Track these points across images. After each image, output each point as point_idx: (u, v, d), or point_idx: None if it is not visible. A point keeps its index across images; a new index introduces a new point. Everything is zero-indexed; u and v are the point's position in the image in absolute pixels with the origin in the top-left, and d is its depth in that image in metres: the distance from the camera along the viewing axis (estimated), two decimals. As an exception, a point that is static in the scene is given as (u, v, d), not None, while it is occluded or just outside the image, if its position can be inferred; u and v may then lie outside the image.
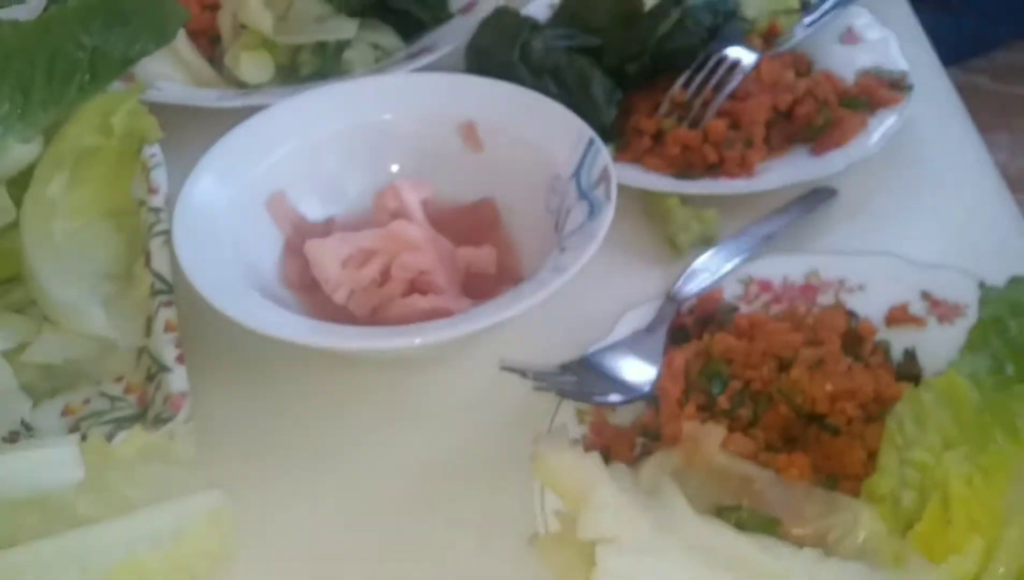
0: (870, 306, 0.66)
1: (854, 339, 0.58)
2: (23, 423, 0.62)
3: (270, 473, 0.62)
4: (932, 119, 0.84)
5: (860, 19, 0.89)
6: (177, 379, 0.62)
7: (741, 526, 0.51)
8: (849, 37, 0.89)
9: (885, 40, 0.87)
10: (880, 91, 0.81)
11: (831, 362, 0.55)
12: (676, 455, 0.54)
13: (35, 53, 0.69)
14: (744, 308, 0.65)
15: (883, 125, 0.78)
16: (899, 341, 0.64)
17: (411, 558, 0.57)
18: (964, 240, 0.74)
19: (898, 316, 0.65)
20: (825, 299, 0.66)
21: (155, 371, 0.64)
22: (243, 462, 0.62)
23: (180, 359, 0.63)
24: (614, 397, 0.57)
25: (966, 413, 0.54)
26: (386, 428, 0.64)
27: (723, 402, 0.55)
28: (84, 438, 0.58)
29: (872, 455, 0.54)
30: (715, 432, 0.53)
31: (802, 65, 0.87)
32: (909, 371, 0.62)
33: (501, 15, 0.84)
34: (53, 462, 0.53)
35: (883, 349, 0.63)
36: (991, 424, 0.51)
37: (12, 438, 0.61)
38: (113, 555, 0.51)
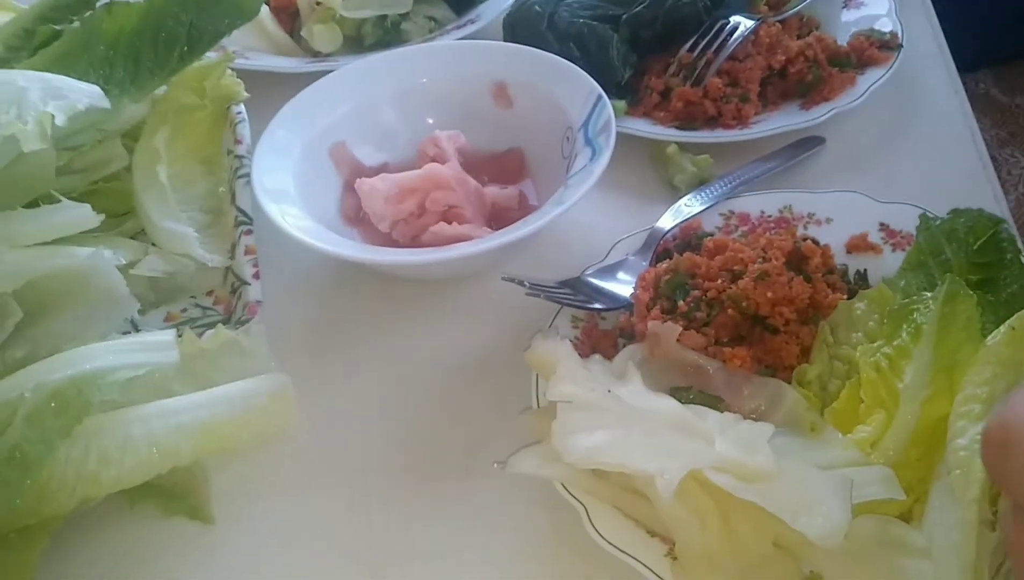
0: (834, 236, 0.76)
1: (799, 257, 0.68)
2: (133, 323, 0.78)
3: (324, 364, 0.77)
4: (922, 78, 0.93)
5: (863, -16, 0.99)
6: (254, 291, 0.77)
7: (691, 403, 0.63)
8: (852, 2, 0.98)
9: (882, 4, 0.95)
10: (870, 51, 0.90)
11: (774, 274, 0.66)
12: (642, 348, 0.66)
13: (143, 29, 0.84)
14: (719, 236, 0.76)
15: (870, 81, 0.88)
16: (857, 265, 0.75)
17: (439, 427, 0.71)
18: (933, 185, 0.83)
19: (857, 244, 0.75)
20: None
21: (237, 286, 0.79)
22: (304, 355, 0.77)
23: (256, 276, 0.78)
24: (596, 306, 0.70)
25: (889, 317, 0.65)
26: (419, 330, 0.78)
27: (683, 307, 0.66)
28: (180, 335, 0.73)
29: (806, 351, 0.66)
30: (673, 329, 0.65)
31: (807, 28, 0.97)
32: (860, 289, 0.73)
33: (526, 1, 0.96)
34: (156, 346, 0.69)
35: (841, 271, 0.73)
36: (899, 322, 0.62)
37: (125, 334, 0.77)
38: (200, 417, 0.67)
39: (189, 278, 0.81)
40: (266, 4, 1.00)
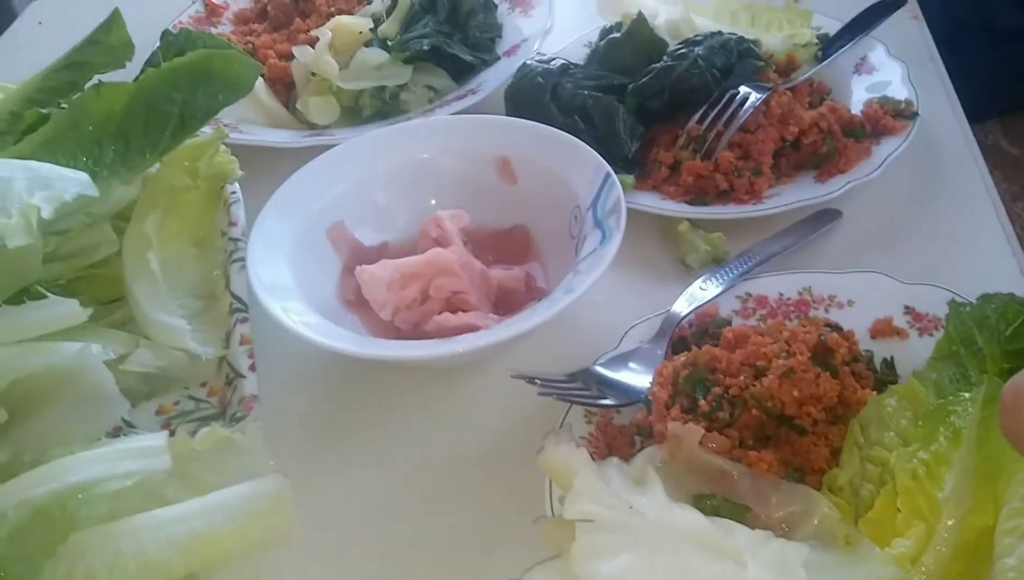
0: (857, 320, 0.73)
1: (824, 350, 0.65)
2: (124, 421, 0.74)
3: (325, 459, 0.73)
4: (938, 144, 0.90)
5: (874, 50, 0.96)
6: (249, 385, 0.73)
7: (715, 512, 0.59)
8: (864, 67, 0.95)
9: (895, 70, 0.93)
10: (885, 120, 0.87)
11: (800, 371, 0.62)
12: (662, 450, 0.62)
13: (133, 109, 0.80)
14: (738, 322, 0.73)
15: (886, 152, 0.85)
16: (882, 352, 0.71)
17: (448, 529, 0.68)
18: (956, 255, 0.80)
19: (882, 329, 0.72)
20: (816, 314, 0.74)
21: (232, 377, 0.76)
22: (303, 450, 0.74)
23: (252, 368, 0.74)
24: (606, 401, 0.66)
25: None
26: (425, 421, 0.74)
27: (704, 406, 0.63)
28: (172, 434, 0.69)
29: (836, 453, 0.62)
30: (694, 431, 0.61)
31: (818, 95, 0.95)
32: (887, 379, 0.69)
33: (528, 72, 0.93)
34: (147, 452, 0.65)
35: (866, 359, 0.70)
36: (935, 425, 0.58)
37: (115, 433, 0.73)
38: (194, 528, 0.63)
39: (182, 370, 0.77)
40: (261, 76, 0.98)
